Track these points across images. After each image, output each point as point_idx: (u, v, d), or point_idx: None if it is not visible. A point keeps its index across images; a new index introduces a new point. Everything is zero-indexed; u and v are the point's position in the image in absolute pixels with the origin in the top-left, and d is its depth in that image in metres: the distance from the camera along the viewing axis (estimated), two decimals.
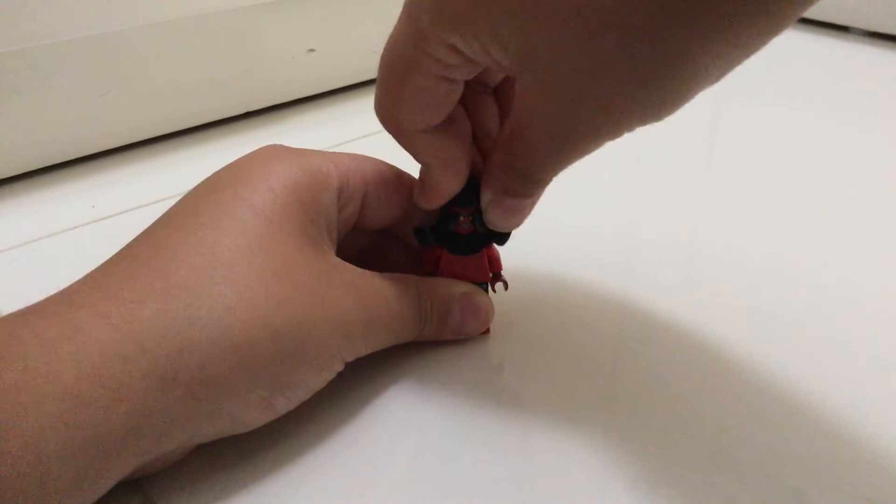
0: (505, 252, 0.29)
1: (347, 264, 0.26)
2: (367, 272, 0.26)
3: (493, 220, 0.27)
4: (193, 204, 0.24)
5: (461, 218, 0.27)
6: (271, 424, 0.24)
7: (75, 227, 0.38)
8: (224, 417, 0.22)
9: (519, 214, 0.27)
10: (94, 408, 0.19)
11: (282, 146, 0.26)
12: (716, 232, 0.38)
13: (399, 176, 0.28)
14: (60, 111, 0.41)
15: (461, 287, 0.28)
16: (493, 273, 0.29)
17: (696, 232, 0.39)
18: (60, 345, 0.19)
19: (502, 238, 0.28)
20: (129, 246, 0.24)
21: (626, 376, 0.28)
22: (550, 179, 0.25)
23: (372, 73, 0.53)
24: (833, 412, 0.26)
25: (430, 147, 0.25)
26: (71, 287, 0.22)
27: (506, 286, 0.30)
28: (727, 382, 0.28)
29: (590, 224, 0.38)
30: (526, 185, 0.25)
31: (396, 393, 0.27)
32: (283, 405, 0.23)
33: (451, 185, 0.26)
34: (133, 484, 0.23)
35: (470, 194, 0.27)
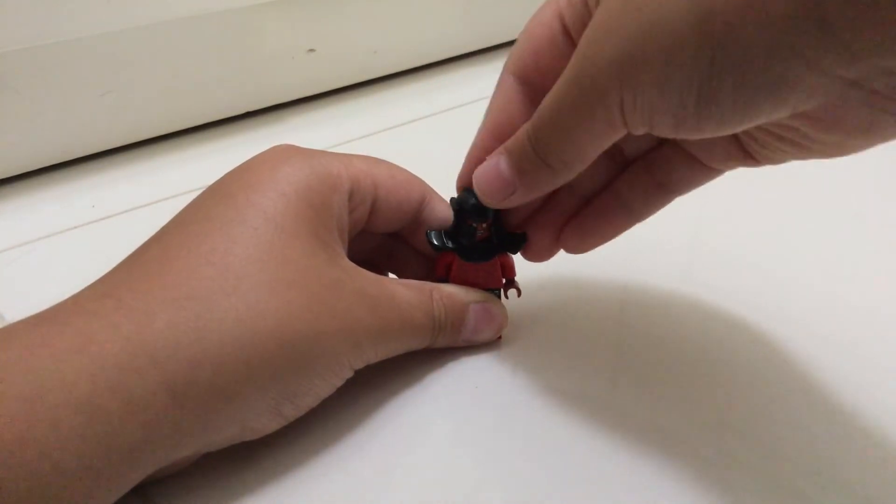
0: (514, 256, 0.29)
1: (360, 269, 0.25)
2: (381, 278, 0.26)
3: (477, 175, 0.26)
4: (206, 208, 0.24)
5: (475, 226, 0.27)
6: None
7: (75, 227, 0.38)
8: (234, 426, 0.22)
9: (498, 187, 0.25)
10: (108, 420, 0.19)
11: (292, 146, 0.26)
12: (717, 231, 0.38)
13: (410, 180, 0.28)
14: (60, 111, 0.41)
15: (475, 295, 0.28)
16: (506, 279, 0.29)
17: (698, 233, 0.39)
18: (74, 357, 0.19)
19: (515, 246, 0.28)
20: (140, 251, 0.23)
21: (631, 378, 0.28)
22: (550, 163, 0.23)
23: (372, 73, 0.54)
24: (834, 412, 0.26)
25: (500, 94, 0.26)
26: (81, 294, 0.22)
27: (518, 293, 0.30)
28: (728, 383, 0.28)
29: None
30: (526, 147, 0.24)
31: (404, 398, 0.27)
32: (292, 412, 0.23)
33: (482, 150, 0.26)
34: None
35: (484, 209, 0.27)
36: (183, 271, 0.22)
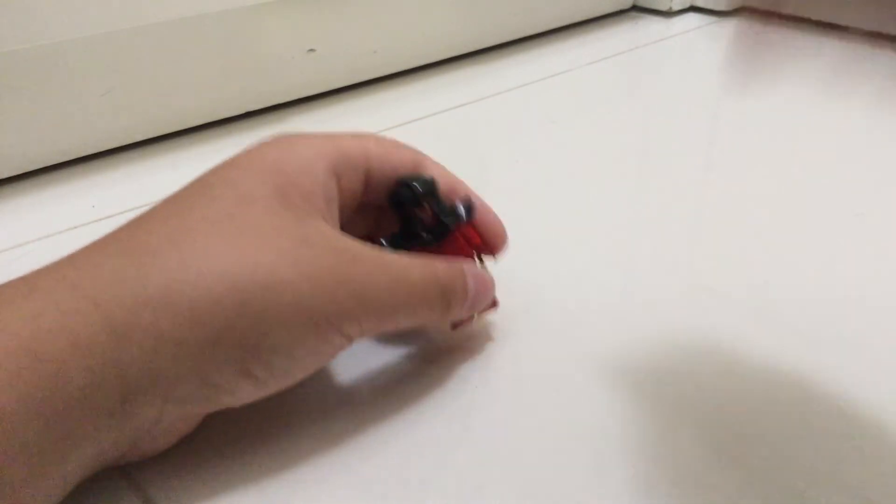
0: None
1: (345, 234, 0.24)
2: (374, 247, 0.24)
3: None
4: (181, 191, 0.24)
5: (420, 213, 0.27)
6: (273, 423, 0.24)
7: (75, 227, 0.38)
8: (192, 379, 0.21)
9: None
10: (51, 362, 0.19)
11: (288, 134, 0.26)
12: (717, 231, 0.38)
13: (400, 146, 0.28)
14: (60, 111, 0.41)
15: (463, 262, 0.27)
16: (475, 248, 0.29)
17: (698, 232, 0.39)
18: (17, 303, 0.20)
19: (466, 214, 0.28)
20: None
21: (631, 377, 0.28)
22: None
23: (372, 73, 0.54)
24: (834, 411, 0.26)
25: None
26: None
27: (493, 256, 0.29)
28: (728, 382, 0.28)
29: (596, 224, 0.38)
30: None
31: (403, 398, 0.27)
32: (265, 374, 0.22)
33: None
34: (133, 484, 0.23)
35: (421, 194, 0.27)
36: (137, 231, 0.22)
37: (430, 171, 0.28)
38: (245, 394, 0.22)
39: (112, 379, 0.20)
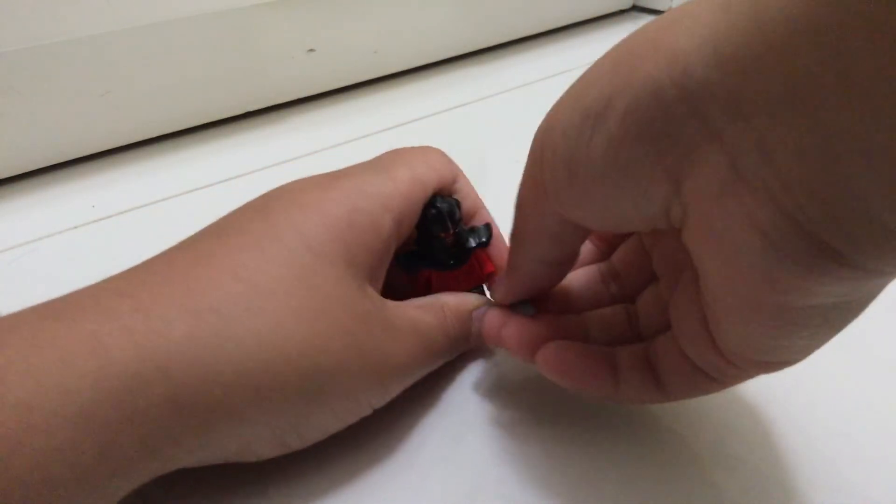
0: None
1: (384, 300, 0.24)
2: (401, 305, 0.25)
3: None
4: (245, 221, 0.23)
5: (443, 236, 0.27)
6: None
7: (75, 227, 0.38)
8: (234, 447, 0.21)
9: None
10: (107, 431, 0.18)
11: (349, 173, 0.26)
12: None
13: (443, 163, 0.28)
14: (60, 111, 0.41)
15: (474, 301, 0.28)
16: (486, 274, 0.29)
17: None
18: (80, 360, 0.19)
19: (485, 240, 0.28)
20: (168, 252, 0.23)
21: None
22: (512, 238, 0.24)
23: (372, 73, 0.54)
24: (833, 411, 0.26)
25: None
26: (99, 287, 0.21)
27: None
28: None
29: None
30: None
31: (403, 400, 0.27)
32: (296, 443, 0.23)
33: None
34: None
35: (447, 218, 0.27)
36: (209, 281, 0.21)
37: (463, 189, 0.28)
38: (269, 456, 0.23)
39: (164, 447, 0.20)
